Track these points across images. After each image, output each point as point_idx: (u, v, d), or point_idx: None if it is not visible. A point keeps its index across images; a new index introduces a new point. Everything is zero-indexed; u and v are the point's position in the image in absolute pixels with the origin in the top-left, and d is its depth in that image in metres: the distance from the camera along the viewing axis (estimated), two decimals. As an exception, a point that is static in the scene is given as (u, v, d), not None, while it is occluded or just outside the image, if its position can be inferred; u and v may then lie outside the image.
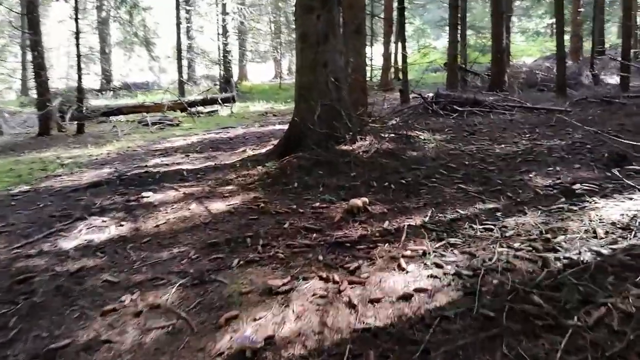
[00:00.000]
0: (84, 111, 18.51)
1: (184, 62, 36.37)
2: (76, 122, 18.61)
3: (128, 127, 19.60)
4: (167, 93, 24.23)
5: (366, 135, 11.65)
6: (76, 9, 17.62)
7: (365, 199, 6.73)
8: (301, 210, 6.78)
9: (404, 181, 7.96)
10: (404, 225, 5.38)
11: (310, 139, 10.45)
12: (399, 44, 25.85)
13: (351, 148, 10.60)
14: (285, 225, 6.16)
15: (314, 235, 5.73)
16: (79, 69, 18.06)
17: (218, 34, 32.94)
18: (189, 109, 21.89)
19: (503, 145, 10.41)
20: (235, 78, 38.23)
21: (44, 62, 17.97)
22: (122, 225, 6.73)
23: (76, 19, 17.65)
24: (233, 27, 35.13)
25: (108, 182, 8.85)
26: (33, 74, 17.55)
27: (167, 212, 7.18)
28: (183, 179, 9.43)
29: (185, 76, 37.29)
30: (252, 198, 7.67)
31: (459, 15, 24.32)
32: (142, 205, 7.65)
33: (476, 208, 6.31)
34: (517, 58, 35.49)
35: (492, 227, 5.16)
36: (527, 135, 11.38)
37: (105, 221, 7.00)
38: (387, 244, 4.82)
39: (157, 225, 6.62)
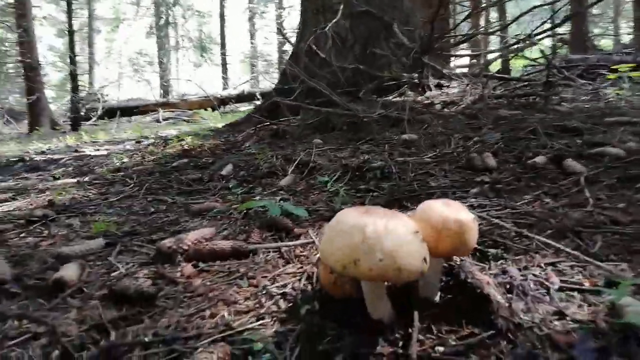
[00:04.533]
0: (80, 108, 14.37)
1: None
2: (71, 119, 14.47)
3: (135, 124, 15.19)
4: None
5: (451, 76, 5.64)
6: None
7: None
8: None
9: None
10: None
11: (323, 77, 4.81)
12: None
13: (418, 98, 4.73)
14: None
15: None
16: (72, 49, 13.99)
17: (276, 32, 28.67)
18: (217, 106, 17.14)
19: None
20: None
21: (33, 39, 14.05)
22: None
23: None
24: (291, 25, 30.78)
25: None
26: (19, 55, 13.67)
27: None
28: None
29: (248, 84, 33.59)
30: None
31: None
32: None
33: None
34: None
35: None
36: None
37: None
38: None
39: None
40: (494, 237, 1.56)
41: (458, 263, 1.26)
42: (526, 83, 5.85)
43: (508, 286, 1.20)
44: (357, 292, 1.16)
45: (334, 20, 5.28)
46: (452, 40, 5.54)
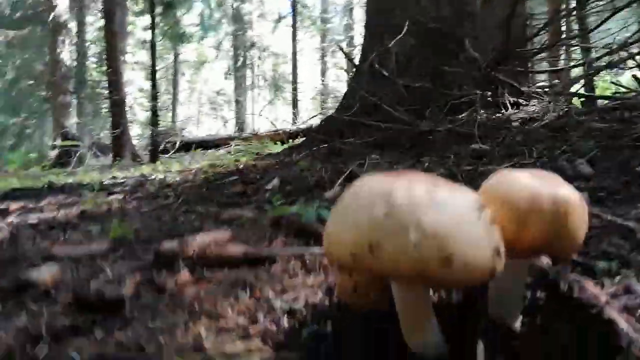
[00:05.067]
0: (160, 142, 15.42)
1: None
2: (150, 151, 15.44)
3: (206, 156, 15.87)
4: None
5: (530, 93, 5.09)
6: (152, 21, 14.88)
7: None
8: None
9: None
10: None
11: (386, 97, 4.58)
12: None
13: (492, 117, 4.30)
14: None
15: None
16: (154, 86, 14.94)
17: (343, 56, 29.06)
18: (286, 139, 17.54)
19: None
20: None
21: (121, 79, 15.27)
22: None
23: (152, 28, 14.76)
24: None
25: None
26: (108, 91, 14.92)
27: None
28: None
29: (317, 118, 34.25)
30: None
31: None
32: None
33: None
34: None
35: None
36: None
37: None
38: None
39: None
40: (602, 246, 1.08)
41: (553, 268, 0.82)
42: (618, 102, 5.11)
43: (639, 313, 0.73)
44: (388, 301, 0.76)
45: (398, 38, 4.98)
46: (530, 48, 5.00)
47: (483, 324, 0.75)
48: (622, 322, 0.67)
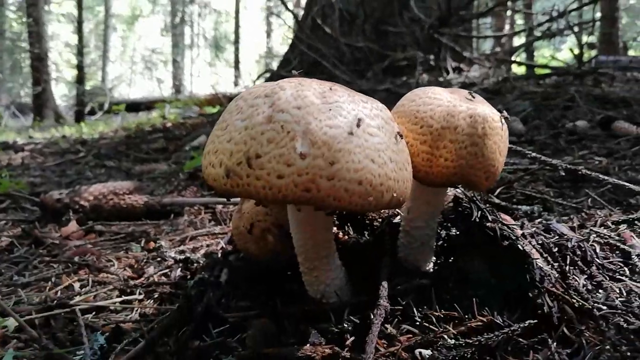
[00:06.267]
0: (87, 102, 14.56)
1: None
2: (75, 112, 14.55)
3: (140, 117, 15.00)
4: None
5: (472, 59, 5.20)
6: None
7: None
8: None
9: None
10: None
11: (328, 55, 4.50)
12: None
13: (433, 80, 4.34)
14: None
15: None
16: (80, 40, 13.87)
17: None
18: (226, 103, 16.94)
19: None
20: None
21: (43, 30, 13.96)
22: None
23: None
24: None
25: None
26: (29, 44, 13.63)
27: None
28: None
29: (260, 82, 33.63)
30: None
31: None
32: None
33: None
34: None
35: None
36: None
37: None
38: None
39: None
40: (527, 190, 1.04)
41: (468, 197, 0.75)
42: (554, 71, 5.28)
43: (557, 249, 0.68)
44: (288, 245, 0.66)
45: (341, -7, 4.82)
46: (473, 11, 5.01)
47: (390, 267, 0.67)
48: (536, 255, 0.62)
